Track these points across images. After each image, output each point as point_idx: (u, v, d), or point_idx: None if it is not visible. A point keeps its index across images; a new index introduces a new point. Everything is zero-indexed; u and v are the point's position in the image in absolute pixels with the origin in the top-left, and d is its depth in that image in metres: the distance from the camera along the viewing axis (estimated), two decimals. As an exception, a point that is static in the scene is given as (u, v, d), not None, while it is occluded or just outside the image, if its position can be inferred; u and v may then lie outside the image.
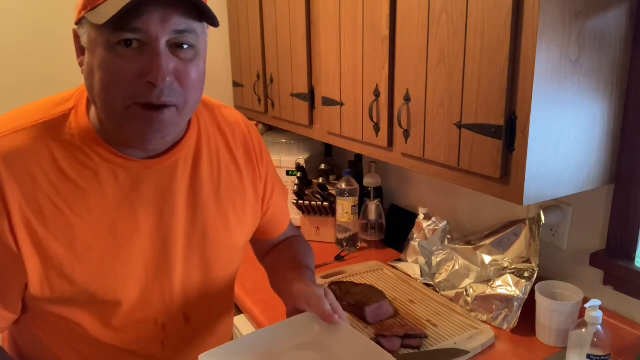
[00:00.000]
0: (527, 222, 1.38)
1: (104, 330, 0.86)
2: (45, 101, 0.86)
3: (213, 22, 0.78)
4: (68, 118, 0.82)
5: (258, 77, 2.06)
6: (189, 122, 0.90)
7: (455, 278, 1.48)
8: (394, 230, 1.85)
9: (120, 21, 0.71)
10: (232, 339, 1.07)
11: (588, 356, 1.06)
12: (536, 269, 1.29)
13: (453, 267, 1.51)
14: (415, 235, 1.62)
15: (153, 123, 0.76)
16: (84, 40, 0.76)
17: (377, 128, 1.40)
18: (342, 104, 1.53)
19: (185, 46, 0.77)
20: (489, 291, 1.34)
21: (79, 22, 0.77)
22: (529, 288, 1.28)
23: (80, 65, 0.79)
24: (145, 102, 0.75)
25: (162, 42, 0.74)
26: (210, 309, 0.98)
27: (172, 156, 0.87)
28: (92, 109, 0.82)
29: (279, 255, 1.13)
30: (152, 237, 0.86)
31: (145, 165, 0.84)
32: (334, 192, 1.82)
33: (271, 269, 1.12)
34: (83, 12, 0.74)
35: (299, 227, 1.85)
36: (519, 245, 1.38)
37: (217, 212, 0.93)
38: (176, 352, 0.94)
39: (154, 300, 0.88)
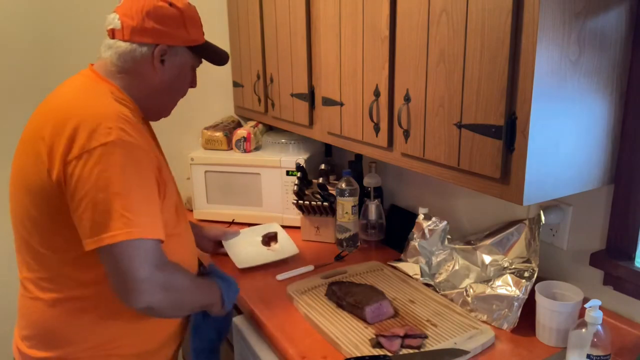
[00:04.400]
0: (527, 222, 1.38)
1: (178, 223, 1.25)
2: (76, 89, 1.14)
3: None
4: (114, 94, 1.13)
5: (258, 77, 2.06)
6: None
7: (455, 278, 1.48)
8: (394, 230, 1.85)
9: (214, 61, 1.31)
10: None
11: (588, 356, 1.06)
12: (536, 269, 1.29)
13: (453, 267, 1.51)
14: (415, 235, 1.62)
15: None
16: (177, 58, 1.20)
17: (377, 128, 1.40)
18: (342, 104, 1.53)
19: None
20: (489, 291, 1.34)
21: (170, 45, 1.18)
22: (529, 288, 1.28)
23: (157, 69, 1.18)
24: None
25: None
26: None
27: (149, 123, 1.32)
28: (122, 87, 1.17)
29: None
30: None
31: (148, 126, 1.29)
32: (334, 192, 1.82)
33: None
34: (185, 44, 1.20)
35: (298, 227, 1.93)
36: (519, 245, 1.38)
37: None
38: (190, 228, 1.37)
39: (180, 200, 1.31)
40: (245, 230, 1.85)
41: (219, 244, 1.76)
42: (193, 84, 1.30)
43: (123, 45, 1.15)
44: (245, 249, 1.76)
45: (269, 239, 1.84)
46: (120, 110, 1.08)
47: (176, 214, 1.24)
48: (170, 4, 1.16)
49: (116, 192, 1.00)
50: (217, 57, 1.30)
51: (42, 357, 1.14)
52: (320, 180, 1.90)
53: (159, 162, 1.13)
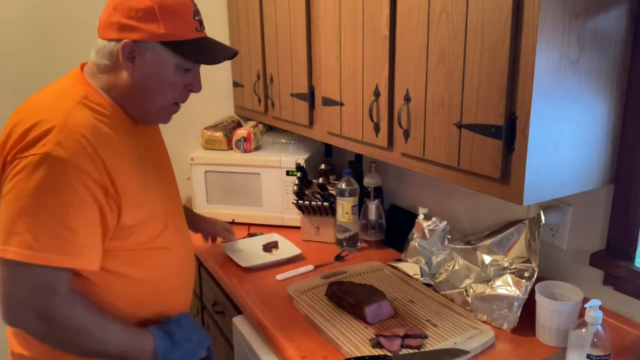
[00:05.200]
0: (527, 222, 1.38)
1: (161, 236, 1.16)
2: (55, 89, 1.10)
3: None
4: (89, 97, 1.07)
5: (258, 77, 2.06)
6: None
7: (455, 278, 1.48)
8: (394, 230, 1.85)
9: (198, 59, 1.12)
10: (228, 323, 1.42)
11: (588, 356, 1.06)
12: (536, 269, 1.29)
13: (453, 267, 1.51)
14: (415, 235, 1.62)
15: (174, 113, 1.19)
16: (148, 55, 1.06)
17: (377, 128, 1.40)
18: (342, 104, 1.53)
19: None
20: (489, 291, 1.34)
21: (139, 40, 1.05)
22: (529, 288, 1.28)
23: (125, 68, 1.07)
24: (181, 101, 1.16)
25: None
26: (182, 219, 1.34)
27: (151, 127, 1.25)
28: (98, 86, 1.10)
29: None
30: (162, 178, 1.23)
31: (143, 129, 1.18)
32: (334, 192, 1.82)
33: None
34: (155, 39, 1.05)
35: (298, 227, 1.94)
36: (519, 245, 1.38)
37: (167, 155, 1.34)
38: (186, 246, 1.30)
39: (174, 212, 1.24)
40: (244, 241, 1.88)
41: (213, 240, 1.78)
42: (191, 86, 1.15)
43: (98, 43, 1.09)
44: (248, 252, 1.78)
45: (271, 247, 1.86)
46: (77, 120, 1.01)
47: (162, 226, 1.16)
48: None
49: (22, 207, 0.95)
50: (209, 55, 1.13)
51: (21, 353, 1.13)
52: (320, 180, 1.90)
53: (106, 181, 1.01)
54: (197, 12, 1.11)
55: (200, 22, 1.12)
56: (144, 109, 1.13)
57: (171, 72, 1.09)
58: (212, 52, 1.14)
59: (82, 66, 1.16)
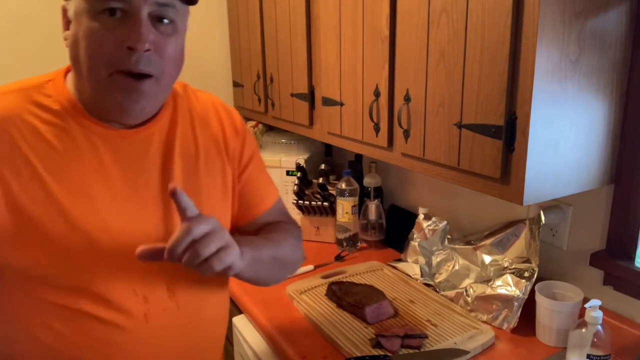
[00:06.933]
0: (527, 222, 1.38)
1: (84, 300, 0.82)
2: (24, 80, 0.88)
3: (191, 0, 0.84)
4: (45, 86, 0.85)
5: (258, 77, 2.06)
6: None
7: (455, 278, 1.48)
8: (394, 230, 1.85)
9: None
10: (228, 325, 1.05)
11: (588, 356, 1.06)
12: (536, 269, 1.29)
13: (453, 267, 1.51)
14: (415, 235, 1.62)
15: (132, 93, 0.81)
16: (71, 12, 0.80)
17: (377, 128, 1.40)
18: (342, 104, 1.53)
19: (165, 21, 0.82)
20: (489, 291, 1.34)
21: None
22: (529, 288, 1.28)
23: (65, 39, 0.83)
24: (126, 69, 0.78)
25: (144, 12, 0.78)
26: (196, 284, 0.93)
27: (147, 128, 0.90)
28: (71, 80, 0.86)
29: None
30: (128, 203, 0.86)
31: (121, 134, 0.87)
32: (334, 192, 1.82)
33: None
34: None
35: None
36: (519, 245, 1.38)
37: (193, 183, 0.94)
38: (161, 329, 0.89)
39: (131, 266, 0.84)
40: None
41: None
42: (127, 42, 0.77)
43: None
44: None
45: None
46: None
47: (101, 300, 0.82)
48: None
49: None
50: None
51: None
52: (320, 180, 1.90)
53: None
54: None
55: None
56: (87, 92, 0.83)
57: (88, 23, 0.77)
58: None
59: None
